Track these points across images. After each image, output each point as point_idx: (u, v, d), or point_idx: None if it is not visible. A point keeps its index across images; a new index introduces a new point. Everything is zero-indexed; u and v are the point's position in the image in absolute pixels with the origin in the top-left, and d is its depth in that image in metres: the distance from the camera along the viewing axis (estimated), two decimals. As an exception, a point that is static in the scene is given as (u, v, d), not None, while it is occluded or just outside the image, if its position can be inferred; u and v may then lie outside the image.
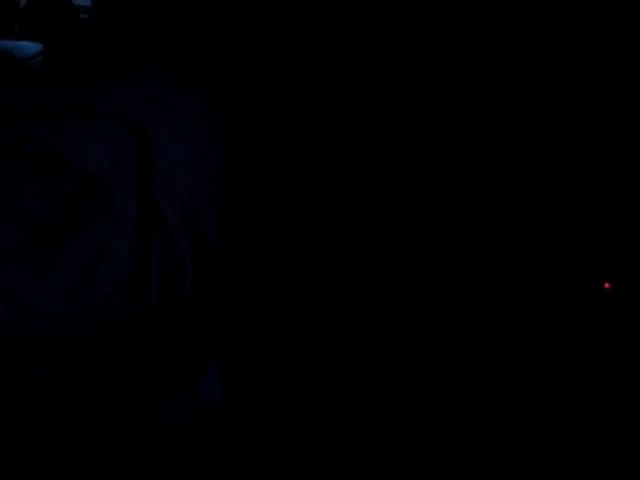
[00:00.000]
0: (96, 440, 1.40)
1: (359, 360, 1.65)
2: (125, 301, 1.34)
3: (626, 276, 1.68)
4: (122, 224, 1.42)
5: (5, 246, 1.36)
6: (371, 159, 2.02)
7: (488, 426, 1.49)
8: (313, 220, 1.91)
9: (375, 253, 1.83)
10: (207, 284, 1.45)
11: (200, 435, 1.45)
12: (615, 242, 1.74)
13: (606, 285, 1.70)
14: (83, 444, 1.40)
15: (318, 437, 1.56)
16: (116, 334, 1.35)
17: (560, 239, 1.77)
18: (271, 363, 1.63)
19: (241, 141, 1.61)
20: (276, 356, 1.65)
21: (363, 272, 1.83)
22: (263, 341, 1.63)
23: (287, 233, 1.73)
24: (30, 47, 3.54)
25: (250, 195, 1.59)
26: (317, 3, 2.18)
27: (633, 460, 1.42)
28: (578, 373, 1.57)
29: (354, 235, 1.90)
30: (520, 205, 1.84)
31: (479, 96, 2.02)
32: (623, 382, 1.55)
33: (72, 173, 1.48)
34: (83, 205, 1.45)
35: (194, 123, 1.52)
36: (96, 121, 1.54)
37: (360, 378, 1.58)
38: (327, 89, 2.15)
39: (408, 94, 2.06)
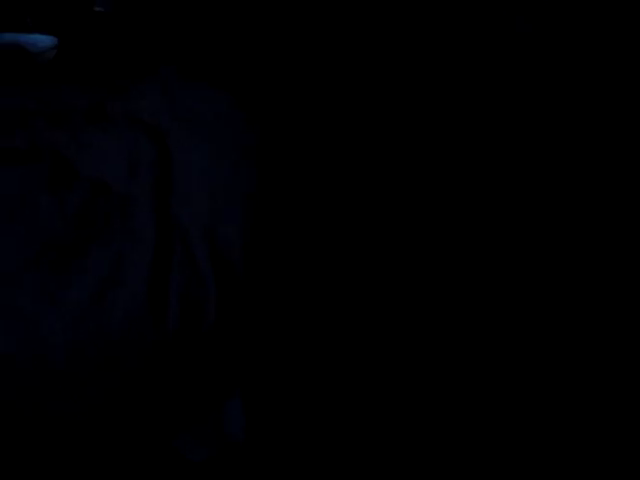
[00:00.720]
0: (110, 476, 1.29)
1: (382, 388, 1.53)
2: (140, 328, 1.22)
3: (626, 276, 1.65)
4: (138, 241, 1.29)
5: (11, 264, 1.24)
6: (385, 166, 1.97)
7: (488, 426, 1.47)
8: (336, 229, 1.80)
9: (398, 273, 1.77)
10: (231, 307, 1.32)
11: (220, 470, 1.34)
12: (615, 241, 1.71)
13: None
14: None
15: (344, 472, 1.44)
16: (130, 364, 1.22)
17: (560, 239, 1.74)
18: (295, 391, 1.51)
19: (267, 148, 1.48)
20: (300, 383, 1.53)
21: (384, 292, 1.71)
22: (287, 368, 1.51)
23: (310, 248, 1.61)
24: (44, 40, 3.42)
25: (276, 208, 1.46)
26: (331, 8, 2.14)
27: (633, 460, 1.40)
28: (578, 373, 1.55)
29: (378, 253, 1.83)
30: (520, 205, 1.80)
31: (478, 94, 1.95)
32: (623, 382, 1.53)
33: (85, 183, 1.36)
34: (96, 219, 1.33)
35: (218, 131, 1.39)
36: (112, 126, 1.42)
37: (381, 406, 1.52)
38: (345, 93, 2.08)
39: (417, 93, 2.01)
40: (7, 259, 1.24)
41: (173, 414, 1.28)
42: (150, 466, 1.29)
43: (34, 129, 1.44)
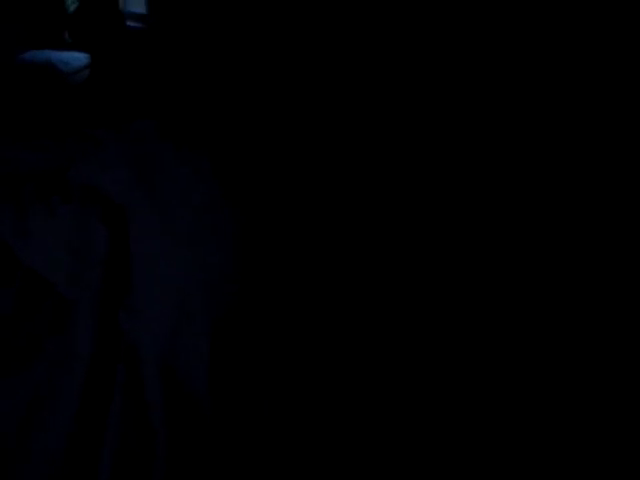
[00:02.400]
0: None
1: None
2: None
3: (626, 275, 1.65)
4: (70, 366, 0.99)
5: None
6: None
7: (487, 425, 1.45)
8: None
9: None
10: (192, 456, 1.00)
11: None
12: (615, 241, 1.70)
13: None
14: None
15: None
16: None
17: (560, 238, 1.74)
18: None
19: (251, 235, 1.14)
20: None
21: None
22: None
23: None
24: (77, 59, 3.20)
25: (260, 327, 1.13)
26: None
27: (633, 460, 1.38)
28: (577, 372, 1.55)
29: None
30: (520, 204, 1.81)
31: (478, 94, 1.87)
32: (623, 382, 1.52)
33: (26, 278, 1.08)
34: (28, 328, 1.04)
35: (190, 212, 1.07)
36: (63, 207, 1.12)
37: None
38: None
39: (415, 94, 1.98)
40: None
41: None
42: None
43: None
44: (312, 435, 1.32)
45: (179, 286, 1.05)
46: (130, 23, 2.86)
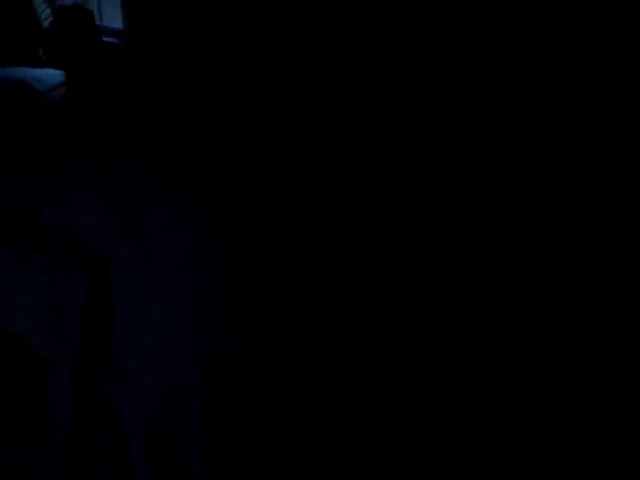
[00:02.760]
0: None
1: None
2: None
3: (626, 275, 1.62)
4: (45, 438, 0.88)
5: None
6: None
7: (487, 425, 1.47)
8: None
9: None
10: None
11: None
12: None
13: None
14: None
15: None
16: None
17: (560, 238, 1.71)
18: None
19: (242, 282, 1.05)
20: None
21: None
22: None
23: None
24: (51, 76, 3.08)
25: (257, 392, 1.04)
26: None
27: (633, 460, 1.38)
28: (578, 373, 1.55)
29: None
30: (520, 204, 1.78)
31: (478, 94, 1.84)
32: (623, 381, 1.51)
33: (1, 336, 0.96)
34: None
35: (180, 266, 0.97)
36: (34, 253, 1.01)
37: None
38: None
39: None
40: None
41: None
42: None
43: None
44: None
45: (168, 351, 0.94)
46: (107, 39, 2.74)
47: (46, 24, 2.91)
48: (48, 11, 2.73)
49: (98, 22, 2.82)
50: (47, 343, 0.94)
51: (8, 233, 1.05)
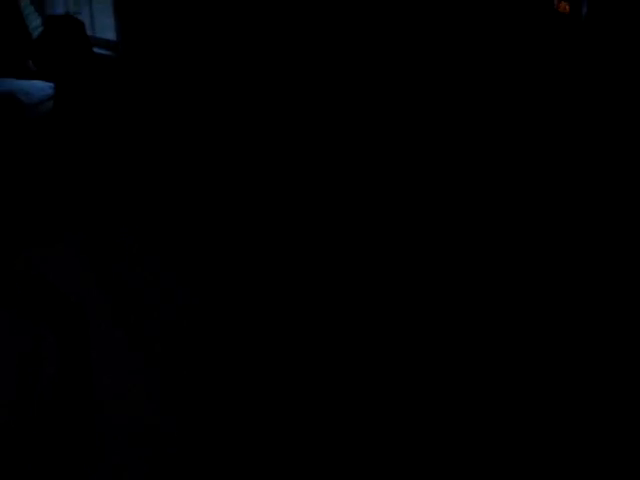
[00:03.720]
0: None
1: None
2: None
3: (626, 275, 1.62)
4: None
5: None
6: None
7: (487, 425, 1.47)
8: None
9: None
10: None
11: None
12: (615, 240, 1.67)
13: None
14: None
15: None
16: None
17: (560, 238, 1.72)
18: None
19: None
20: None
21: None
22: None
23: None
24: (40, 89, 2.93)
25: None
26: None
27: (633, 460, 1.40)
28: (578, 373, 1.56)
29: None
30: (520, 204, 1.78)
31: (478, 94, 1.84)
32: (623, 381, 1.52)
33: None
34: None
35: (166, 328, 0.82)
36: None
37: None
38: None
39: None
40: None
41: None
42: None
43: None
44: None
45: (154, 431, 0.81)
46: (99, 50, 2.62)
47: (36, 34, 2.78)
48: (38, 21, 2.60)
49: (91, 33, 2.70)
50: (11, 412, 0.79)
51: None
